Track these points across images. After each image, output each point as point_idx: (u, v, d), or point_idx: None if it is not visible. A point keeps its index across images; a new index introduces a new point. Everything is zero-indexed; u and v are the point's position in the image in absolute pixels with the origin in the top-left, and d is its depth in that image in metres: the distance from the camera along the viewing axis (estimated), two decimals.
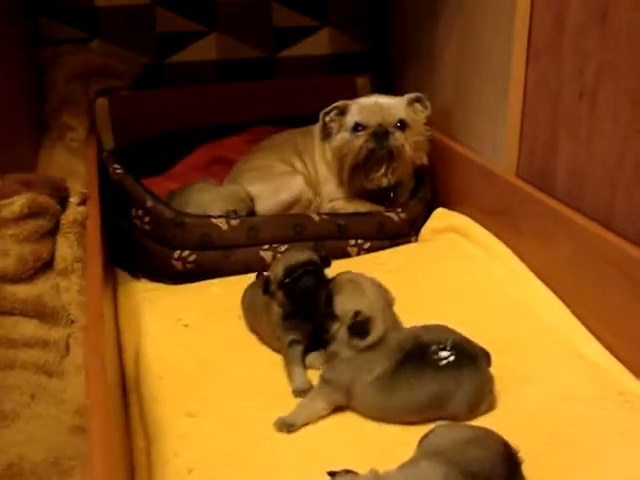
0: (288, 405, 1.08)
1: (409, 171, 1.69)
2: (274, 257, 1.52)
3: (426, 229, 1.71)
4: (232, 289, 1.43)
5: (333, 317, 1.06)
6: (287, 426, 1.02)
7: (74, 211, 1.30)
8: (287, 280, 1.12)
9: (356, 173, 1.66)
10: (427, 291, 1.42)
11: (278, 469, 0.97)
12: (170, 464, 0.98)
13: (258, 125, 2.08)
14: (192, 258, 1.50)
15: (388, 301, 1.08)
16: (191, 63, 2.12)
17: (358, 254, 1.61)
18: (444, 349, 1.02)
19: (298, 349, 1.14)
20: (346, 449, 1.00)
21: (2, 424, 0.97)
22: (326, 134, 1.74)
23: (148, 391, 1.15)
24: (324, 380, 1.06)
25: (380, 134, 1.60)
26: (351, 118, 1.66)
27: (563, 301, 1.32)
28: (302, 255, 1.16)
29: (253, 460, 0.99)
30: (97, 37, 2.03)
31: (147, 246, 1.54)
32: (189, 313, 1.35)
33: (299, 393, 1.10)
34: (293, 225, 1.55)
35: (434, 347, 1.03)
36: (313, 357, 1.15)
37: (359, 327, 1.03)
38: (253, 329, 1.28)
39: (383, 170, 1.64)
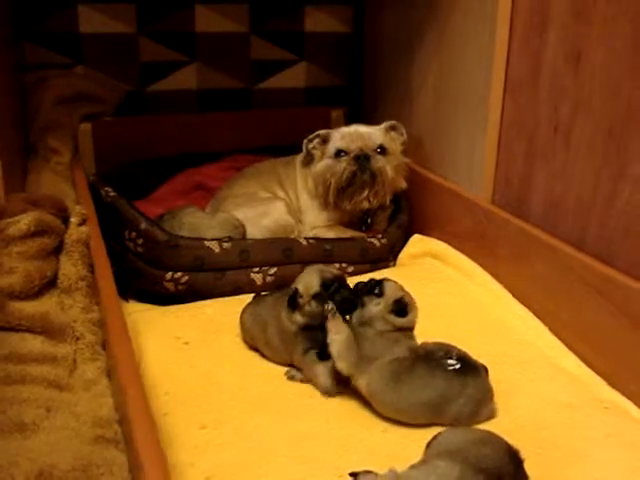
0: (295, 415, 1.14)
1: (390, 195, 1.78)
2: (264, 279, 1.58)
3: (404, 254, 1.80)
4: (225, 309, 1.48)
5: (379, 295, 1.15)
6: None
7: (77, 230, 1.33)
8: (324, 292, 1.20)
9: (340, 197, 1.74)
10: None
11: (292, 476, 1.02)
12: (187, 474, 1.02)
13: (236, 154, 2.15)
14: (184, 279, 1.54)
15: None
16: (172, 92, 2.17)
17: None
18: (451, 358, 1.11)
19: (314, 354, 1.20)
20: (355, 456, 1.05)
21: (23, 435, 0.99)
22: (308, 161, 1.82)
23: (156, 407, 1.18)
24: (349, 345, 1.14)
25: (362, 158, 1.69)
26: (333, 145, 1.75)
27: (540, 318, 1.42)
28: (332, 270, 1.25)
29: (269, 467, 1.03)
30: (80, 63, 2.06)
31: (139, 268, 1.57)
32: (187, 331, 1.39)
33: (326, 392, 1.18)
34: (282, 249, 1.61)
35: (441, 354, 1.12)
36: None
37: (401, 306, 1.14)
38: (254, 346, 1.33)
39: (366, 193, 1.72)
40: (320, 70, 2.33)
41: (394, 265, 1.77)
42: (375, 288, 1.16)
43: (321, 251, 1.65)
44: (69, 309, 1.27)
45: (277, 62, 2.28)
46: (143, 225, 1.56)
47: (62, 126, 1.89)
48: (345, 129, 1.79)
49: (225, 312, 1.47)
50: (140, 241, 1.56)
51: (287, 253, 1.61)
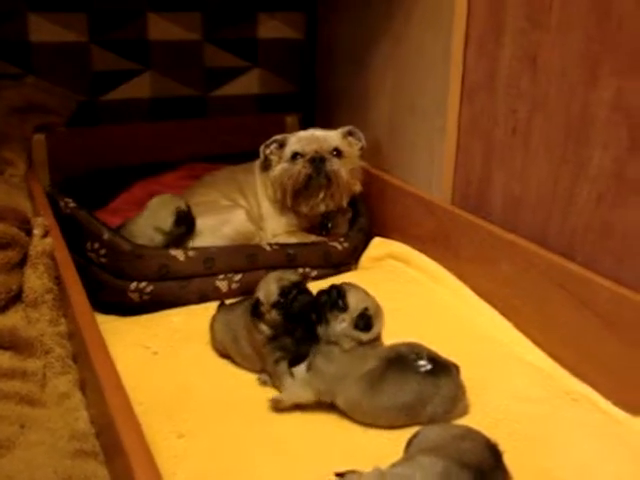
0: (272, 420, 1.14)
1: (346, 197, 1.80)
2: (229, 286, 1.57)
3: (365, 257, 1.81)
4: (191, 318, 1.48)
5: (344, 309, 1.13)
6: (276, 402, 1.14)
7: (41, 243, 1.31)
8: (283, 300, 1.18)
9: (297, 200, 1.75)
10: None
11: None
12: None
13: (193, 162, 2.14)
14: (149, 289, 1.52)
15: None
16: (126, 101, 2.15)
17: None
18: (421, 359, 1.12)
19: (285, 364, 1.19)
20: (336, 457, 1.05)
21: None
22: (266, 166, 1.83)
23: None
24: (316, 369, 1.14)
25: (317, 160, 1.71)
26: (289, 149, 1.76)
27: (505, 315, 1.45)
28: (293, 275, 1.23)
29: (248, 473, 1.03)
30: (31, 73, 2.02)
31: (102, 279, 1.54)
32: (155, 341, 1.38)
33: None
34: (246, 255, 1.61)
35: (412, 356, 1.13)
36: (298, 370, 1.21)
37: (366, 320, 1.13)
38: (225, 353, 1.32)
39: (322, 195, 1.74)
40: (274, 77, 2.34)
41: (356, 268, 1.79)
42: (338, 301, 1.15)
43: (284, 256, 1.65)
44: (36, 323, 1.25)
45: (231, 69, 2.27)
46: (106, 235, 1.54)
47: (15, 138, 1.85)
48: (302, 133, 1.81)
49: (192, 320, 1.46)
50: (103, 252, 1.54)
51: (251, 259, 1.60)
